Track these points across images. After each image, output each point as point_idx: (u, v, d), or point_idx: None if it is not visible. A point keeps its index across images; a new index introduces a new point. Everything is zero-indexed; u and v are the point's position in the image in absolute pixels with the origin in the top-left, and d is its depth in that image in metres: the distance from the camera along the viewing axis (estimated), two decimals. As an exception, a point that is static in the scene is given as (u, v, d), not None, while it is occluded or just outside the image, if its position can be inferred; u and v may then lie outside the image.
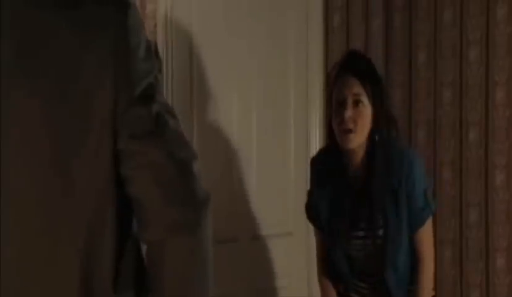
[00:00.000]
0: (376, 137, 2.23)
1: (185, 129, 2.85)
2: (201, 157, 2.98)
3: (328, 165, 2.36)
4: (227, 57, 3.04)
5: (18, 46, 1.19)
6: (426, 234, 2.29)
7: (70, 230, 1.23)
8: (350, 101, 2.19)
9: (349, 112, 2.18)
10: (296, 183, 3.21)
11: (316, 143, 3.31)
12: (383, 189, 2.22)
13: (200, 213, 1.26)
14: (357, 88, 2.20)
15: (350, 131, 2.19)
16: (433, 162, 3.51)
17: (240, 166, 3.10)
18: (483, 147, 3.35)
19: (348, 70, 2.23)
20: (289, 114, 3.31)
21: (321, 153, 2.48)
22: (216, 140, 3.02)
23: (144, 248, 1.31)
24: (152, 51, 1.31)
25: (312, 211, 2.45)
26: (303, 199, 2.62)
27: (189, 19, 2.91)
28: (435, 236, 3.51)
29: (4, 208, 1.19)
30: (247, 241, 3.12)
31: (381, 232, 2.25)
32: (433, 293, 2.36)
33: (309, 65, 3.38)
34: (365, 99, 2.20)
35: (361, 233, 2.30)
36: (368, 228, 2.28)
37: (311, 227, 2.55)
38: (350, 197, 2.29)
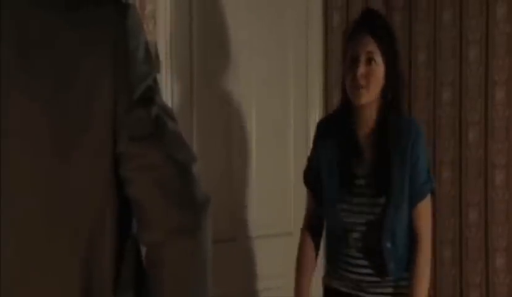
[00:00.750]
0: (389, 96, 2.24)
1: (185, 129, 2.87)
2: (200, 157, 2.98)
3: (334, 125, 2.36)
4: (227, 57, 3.04)
5: (18, 46, 1.19)
6: (425, 209, 2.27)
7: (70, 231, 1.23)
8: (363, 59, 2.21)
9: (361, 69, 2.20)
10: (296, 183, 3.21)
11: (316, 143, 3.30)
12: (392, 150, 2.22)
13: (199, 216, 1.26)
14: (371, 46, 2.21)
15: (361, 87, 2.20)
16: (433, 162, 3.51)
17: (240, 166, 3.11)
18: (482, 147, 3.35)
19: (363, 28, 2.24)
20: (288, 114, 3.31)
21: (329, 116, 2.49)
22: (216, 140, 3.02)
23: (143, 249, 1.31)
24: (151, 53, 1.31)
25: (310, 175, 2.44)
26: (303, 199, 2.62)
27: (189, 19, 2.91)
28: (434, 234, 3.54)
29: (3, 209, 1.19)
30: (246, 241, 3.12)
31: (382, 200, 2.23)
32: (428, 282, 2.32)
33: (309, 65, 3.38)
34: (378, 58, 2.21)
35: (363, 200, 2.27)
36: (370, 194, 2.26)
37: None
38: (357, 157, 2.28)
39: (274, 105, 3.25)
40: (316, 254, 2.48)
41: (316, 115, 3.36)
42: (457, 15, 3.42)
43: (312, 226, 2.47)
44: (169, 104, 2.82)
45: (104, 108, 1.22)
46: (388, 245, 2.24)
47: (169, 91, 2.83)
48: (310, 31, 3.41)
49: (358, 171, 2.29)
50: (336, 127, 2.36)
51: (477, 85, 3.37)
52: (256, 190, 3.14)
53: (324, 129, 2.43)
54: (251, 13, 3.12)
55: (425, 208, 2.28)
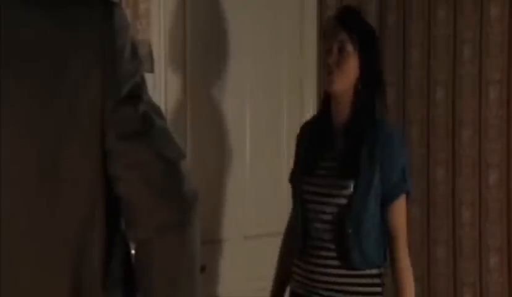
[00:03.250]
0: (359, 86, 2.29)
1: (178, 129, 2.87)
2: (194, 156, 2.99)
3: (314, 122, 2.45)
4: (220, 55, 3.04)
5: (3, 46, 1.19)
6: (399, 209, 2.27)
7: (59, 230, 1.23)
8: (335, 48, 2.28)
9: (332, 57, 2.27)
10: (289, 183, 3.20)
11: (309, 142, 3.30)
12: (364, 143, 2.25)
13: (188, 212, 1.27)
14: (342, 35, 2.29)
15: (332, 73, 2.27)
16: (427, 161, 3.52)
17: (234, 166, 3.10)
18: (476, 146, 3.35)
19: (336, 21, 2.33)
20: (282, 114, 3.31)
21: (311, 118, 2.55)
22: (210, 139, 3.02)
23: (133, 246, 1.31)
24: (137, 51, 1.32)
25: (293, 174, 2.49)
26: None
27: (182, 17, 2.90)
28: (427, 234, 3.54)
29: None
30: (241, 240, 3.12)
31: (349, 184, 2.24)
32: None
33: (303, 65, 3.38)
34: (349, 47, 2.28)
35: (329, 182, 2.28)
36: (337, 176, 2.27)
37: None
38: (327, 143, 2.33)
39: (268, 105, 3.25)
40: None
41: (310, 115, 3.34)
42: (451, 13, 3.42)
43: (294, 228, 2.47)
44: (163, 104, 2.81)
45: (92, 107, 1.23)
46: (351, 231, 2.23)
47: (162, 90, 2.83)
48: (305, 30, 3.41)
49: (327, 155, 2.32)
50: (314, 123, 2.44)
51: (470, 84, 3.37)
52: (250, 189, 3.13)
53: (305, 128, 2.50)
54: (246, 13, 3.12)
55: (399, 208, 2.27)
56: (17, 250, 1.22)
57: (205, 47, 2.98)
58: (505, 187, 3.26)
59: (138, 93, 1.28)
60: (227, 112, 3.08)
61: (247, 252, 3.13)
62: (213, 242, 3.02)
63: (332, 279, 2.28)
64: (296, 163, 2.49)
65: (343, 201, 2.25)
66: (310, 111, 3.36)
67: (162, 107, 2.80)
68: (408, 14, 3.59)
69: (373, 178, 2.23)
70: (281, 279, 2.50)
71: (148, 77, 2.70)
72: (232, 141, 3.09)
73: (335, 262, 2.28)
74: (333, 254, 2.27)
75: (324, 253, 2.29)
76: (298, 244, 2.37)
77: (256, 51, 3.18)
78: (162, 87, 2.82)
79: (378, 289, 2.29)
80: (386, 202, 2.26)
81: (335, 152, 2.31)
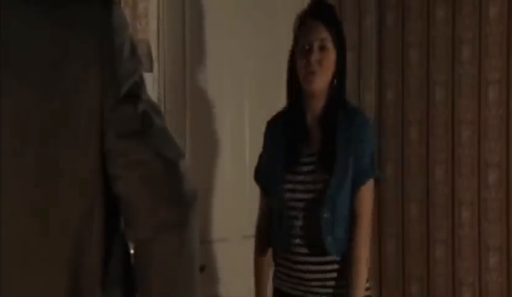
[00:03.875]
0: (335, 81, 2.32)
1: (177, 128, 2.87)
2: (193, 156, 2.98)
3: (283, 117, 2.45)
4: (219, 55, 3.04)
5: (3, 45, 1.19)
6: (366, 193, 2.29)
7: (58, 229, 1.23)
8: (316, 46, 2.29)
9: (315, 55, 2.28)
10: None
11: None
12: (339, 133, 2.28)
13: (187, 211, 1.27)
14: (324, 33, 2.30)
15: (315, 72, 2.28)
16: (426, 161, 3.52)
17: (233, 166, 3.10)
18: (475, 146, 3.35)
19: (314, 16, 2.34)
20: (281, 113, 3.30)
21: (277, 113, 2.54)
22: (209, 138, 3.02)
23: (132, 246, 1.31)
24: (136, 50, 1.31)
25: (260, 171, 2.49)
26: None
27: (181, 17, 2.90)
28: (427, 234, 3.54)
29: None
30: (240, 240, 3.12)
31: (326, 176, 2.25)
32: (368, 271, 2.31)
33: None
34: (330, 44, 2.30)
35: (307, 178, 2.29)
36: (314, 171, 2.28)
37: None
38: (304, 138, 2.34)
39: (267, 104, 3.24)
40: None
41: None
42: (450, 13, 3.42)
43: (263, 228, 2.49)
44: (162, 103, 2.81)
45: (91, 106, 1.22)
46: (326, 215, 2.24)
47: (161, 90, 2.82)
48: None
49: (304, 150, 2.33)
50: (284, 118, 2.44)
51: (470, 84, 3.37)
52: (250, 189, 3.13)
53: (273, 123, 2.50)
54: (244, 12, 3.12)
55: (365, 192, 2.30)
56: (15, 250, 1.21)
57: (204, 46, 2.98)
58: (504, 186, 3.26)
59: (137, 92, 1.27)
60: (226, 112, 3.07)
61: (247, 252, 3.13)
62: (213, 242, 3.01)
63: (306, 267, 2.30)
64: (261, 157, 2.50)
65: (319, 193, 2.26)
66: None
67: (161, 106, 2.80)
68: (407, 14, 3.59)
69: (349, 164, 2.26)
70: (263, 281, 2.51)
71: (147, 76, 2.71)
72: (231, 140, 3.09)
73: (311, 250, 2.29)
74: (309, 243, 2.29)
75: (302, 247, 2.30)
76: (279, 242, 2.37)
77: (255, 50, 3.17)
78: (162, 87, 2.81)
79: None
80: (354, 187, 2.28)
81: (313, 146, 2.33)
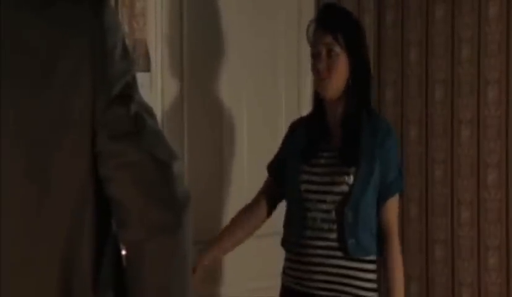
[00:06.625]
0: (355, 85, 2.29)
1: (175, 129, 2.86)
2: (191, 155, 2.98)
3: (305, 120, 2.45)
4: (218, 55, 3.03)
5: None
6: (393, 207, 2.32)
7: (49, 231, 1.22)
8: (323, 53, 2.28)
9: (322, 63, 2.27)
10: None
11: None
12: (362, 139, 2.27)
13: (180, 213, 1.26)
14: (328, 38, 2.27)
15: (325, 79, 2.27)
16: (425, 160, 3.51)
17: (231, 166, 3.09)
18: (475, 146, 3.34)
19: (319, 22, 2.33)
20: (280, 113, 3.30)
21: (300, 118, 2.55)
22: (207, 139, 3.01)
23: (123, 248, 1.30)
24: (129, 50, 1.30)
25: (274, 163, 2.50)
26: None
27: (179, 16, 2.89)
28: (426, 234, 3.53)
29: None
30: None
31: (349, 171, 2.25)
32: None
33: (300, 65, 3.37)
34: (337, 49, 2.27)
35: (326, 170, 2.29)
36: (336, 164, 2.28)
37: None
38: (325, 139, 2.34)
39: (266, 105, 3.24)
40: (262, 218, 2.52)
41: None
42: (450, 12, 3.41)
43: (265, 193, 2.51)
44: (160, 103, 2.81)
45: (83, 107, 1.22)
46: (350, 214, 2.24)
47: (159, 90, 2.82)
48: (302, 30, 3.39)
49: (324, 146, 2.33)
50: (306, 121, 2.45)
51: (469, 84, 3.36)
52: (248, 190, 3.12)
53: (295, 125, 2.50)
54: (243, 12, 3.11)
55: (394, 204, 2.32)
56: (5, 251, 1.21)
57: (202, 46, 2.97)
58: (504, 186, 3.25)
59: (129, 92, 1.26)
60: (224, 112, 3.07)
61: (247, 252, 3.12)
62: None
63: (330, 269, 2.29)
64: (277, 155, 2.50)
65: (345, 188, 2.25)
66: (307, 110, 3.34)
67: (159, 106, 2.79)
68: (406, 13, 3.58)
69: (374, 169, 2.25)
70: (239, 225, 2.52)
71: (145, 76, 2.70)
72: (229, 140, 3.09)
73: (332, 252, 2.28)
74: (332, 244, 2.27)
75: (321, 243, 2.29)
76: (294, 236, 2.36)
77: (253, 51, 3.17)
78: (159, 86, 2.81)
79: (373, 275, 2.30)
80: (381, 198, 2.29)
81: (333, 144, 2.33)
